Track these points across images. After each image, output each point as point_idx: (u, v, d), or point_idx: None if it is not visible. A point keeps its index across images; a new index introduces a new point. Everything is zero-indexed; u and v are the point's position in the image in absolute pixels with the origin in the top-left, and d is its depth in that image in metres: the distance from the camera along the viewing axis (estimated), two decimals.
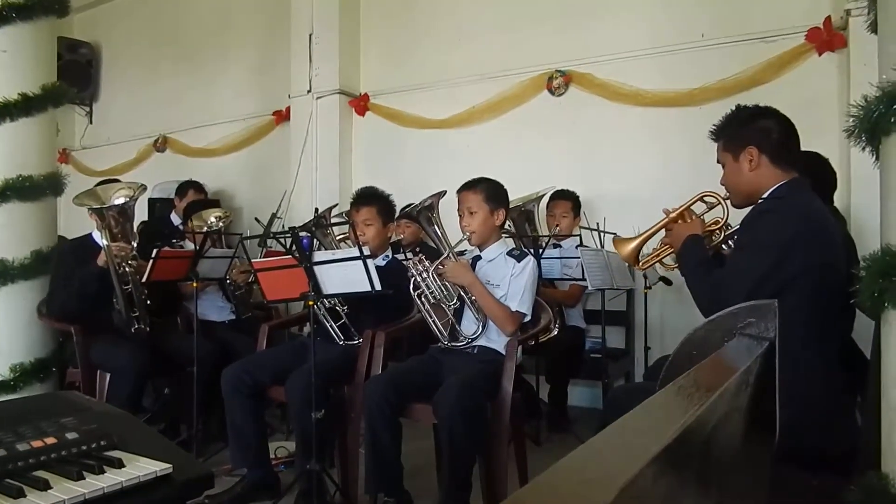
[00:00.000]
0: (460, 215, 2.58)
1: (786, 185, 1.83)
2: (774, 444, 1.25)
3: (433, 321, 2.52)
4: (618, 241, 2.27)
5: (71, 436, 1.17)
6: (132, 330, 3.02)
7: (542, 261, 3.31)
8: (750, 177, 1.87)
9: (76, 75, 6.37)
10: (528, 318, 2.54)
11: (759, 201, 1.86)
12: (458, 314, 2.54)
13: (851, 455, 1.68)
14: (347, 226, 2.94)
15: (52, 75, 3.37)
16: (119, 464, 1.13)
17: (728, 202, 2.02)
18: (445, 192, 2.65)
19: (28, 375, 3.15)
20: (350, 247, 2.86)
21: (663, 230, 2.13)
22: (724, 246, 2.09)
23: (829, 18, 3.48)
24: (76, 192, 3.06)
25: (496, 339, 2.51)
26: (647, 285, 3.60)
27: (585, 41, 4.22)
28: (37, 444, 1.12)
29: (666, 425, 0.57)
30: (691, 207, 2.09)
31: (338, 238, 3.31)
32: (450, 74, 4.71)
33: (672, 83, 3.92)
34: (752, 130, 1.87)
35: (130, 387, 2.91)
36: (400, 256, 3.06)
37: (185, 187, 4.71)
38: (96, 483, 1.06)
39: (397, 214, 3.08)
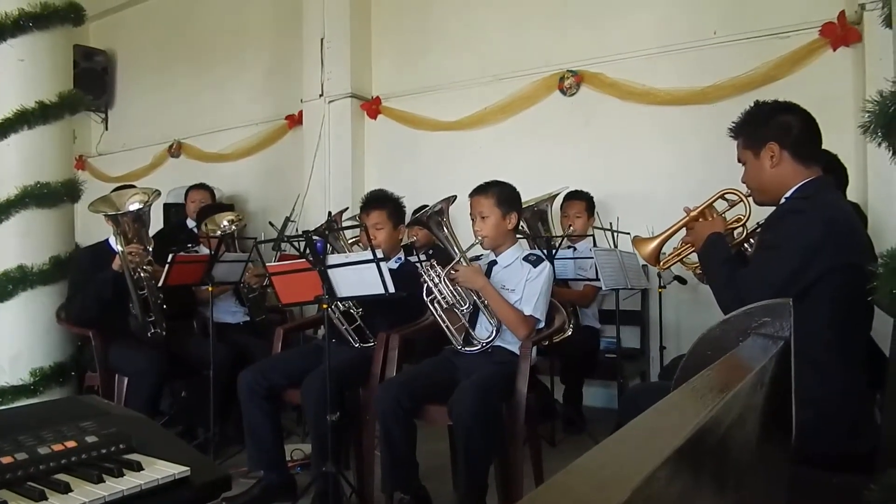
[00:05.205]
0: (472, 219, 2.57)
1: (811, 182, 1.80)
2: (791, 445, 1.24)
3: (447, 326, 2.52)
4: (638, 240, 2.23)
5: (90, 439, 1.18)
6: (148, 334, 3.05)
7: (555, 261, 3.30)
8: (772, 174, 1.83)
9: (92, 83, 6.46)
10: (541, 325, 2.53)
11: (784, 200, 1.82)
12: (473, 319, 2.53)
13: (872, 454, 1.66)
14: (359, 229, 2.95)
15: (69, 83, 3.42)
16: (138, 467, 1.14)
17: (750, 199, 1.98)
18: (455, 196, 2.64)
19: (48, 379, 3.20)
20: (362, 250, 2.86)
21: (684, 229, 2.09)
22: (745, 244, 2.06)
23: (843, 13, 3.44)
24: (93, 198, 3.10)
25: (511, 340, 2.50)
26: (662, 284, 3.57)
27: (597, 41, 4.21)
28: (57, 447, 1.14)
29: (680, 425, 0.57)
30: (713, 205, 2.06)
31: (349, 242, 3.32)
32: (461, 76, 4.72)
33: (685, 81, 3.90)
34: (772, 126, 1.83)
35: (148, 390, 2.95)
36: (413, 259, 3.07)
37: (188, 190, 4.78)
38: (115, 486, 1.08)
39: (408, 219, 3.08)
